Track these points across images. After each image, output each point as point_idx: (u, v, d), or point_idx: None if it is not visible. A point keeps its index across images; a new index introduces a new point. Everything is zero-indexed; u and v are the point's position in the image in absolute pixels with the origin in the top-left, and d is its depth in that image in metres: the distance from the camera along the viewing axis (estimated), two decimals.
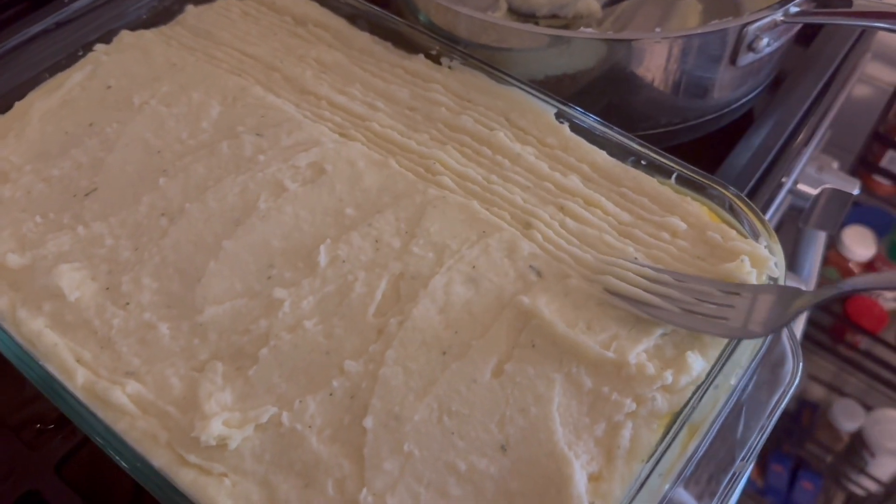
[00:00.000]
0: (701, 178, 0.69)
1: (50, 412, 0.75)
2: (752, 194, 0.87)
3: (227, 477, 0.54)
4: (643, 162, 0.71)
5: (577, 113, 0.74)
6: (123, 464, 0.55)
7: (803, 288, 0.61)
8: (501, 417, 0.56)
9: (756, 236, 0.66)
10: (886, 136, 1.66)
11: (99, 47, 0.83)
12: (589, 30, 0.78)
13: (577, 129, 0.74)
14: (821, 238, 1.23)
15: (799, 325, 0.62)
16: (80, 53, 0.84)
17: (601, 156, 0.72)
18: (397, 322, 0.61)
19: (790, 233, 1.24)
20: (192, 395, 0.57)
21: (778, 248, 0.65)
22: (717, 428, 0.57)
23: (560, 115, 0.74)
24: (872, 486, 1.97)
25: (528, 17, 0.95)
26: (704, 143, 0.95)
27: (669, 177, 0.70)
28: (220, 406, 0.56)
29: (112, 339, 0.61)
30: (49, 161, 0.73)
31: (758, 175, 0.88)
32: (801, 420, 2.04)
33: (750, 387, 0.60)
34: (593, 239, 0.66)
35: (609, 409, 0.56)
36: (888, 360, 1.88)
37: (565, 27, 0.93)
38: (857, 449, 1.98)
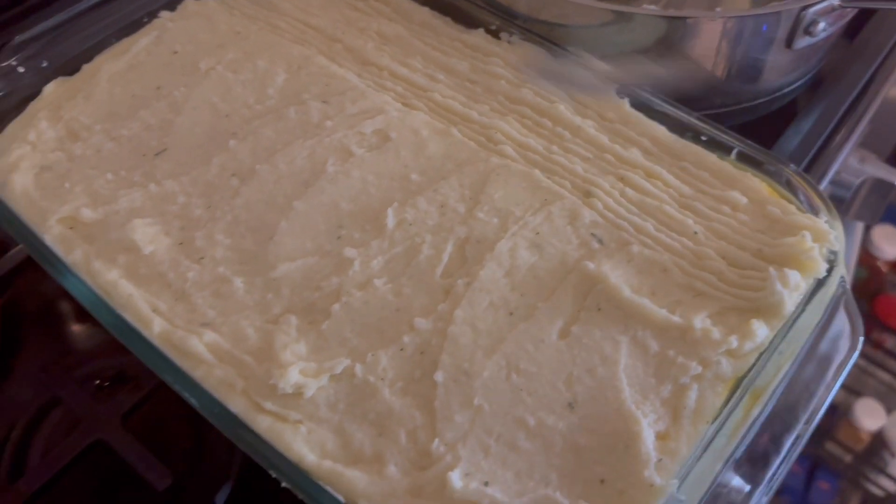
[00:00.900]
0: (761, 155, 0.70)
1: (107, 369, 0.77)
2: None
3: (302, 424, 0.56)
4: (703, 138, 0.72)
5: (638, 89, 0.75)
6: (202, 410, 0.56)
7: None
8: (569, 376, 0.57)
9: (815, 211, 0.67)
10: None
11: (164, 14, 0.85)
12: (652, 6, 0.79)
13: (636, 104, 0.75)
14: (859, 229, 1.24)
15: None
16: (145, 20, 0.85)
17: (661, 130, 0.73)
18: (464, 283, 0.62)
19: None
20: (267, 346, 0.59)
21: (838, 222, 0.66)
22: (779, 394, 0.58)
23: (620, 91, 0.75)
24: (892, 487, 1.98)
25: None
26: (751, 128, 0.96)
27: (728, 153, 0.71)
28: (296, 356, 0.58)
29: (187, 292, 0.62)
30: (118, 122, 0.75)
31: (805, 162, 0.89)
32: (821, 419, 2.04)
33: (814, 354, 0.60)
34: (653, 209, 0.67)
35: (675, 371, 0.57)
36: None
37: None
38: (878, 449, 1.98)
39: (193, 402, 0.57)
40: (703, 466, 0.54)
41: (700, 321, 0.59)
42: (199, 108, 0.75)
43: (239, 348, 0.59)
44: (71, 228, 0.67)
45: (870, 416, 1.97)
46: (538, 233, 0.65)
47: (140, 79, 0.79)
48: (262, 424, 0.55)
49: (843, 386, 2.00)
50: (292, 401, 0.56)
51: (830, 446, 2.02)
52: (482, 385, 0.57)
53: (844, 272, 0.64)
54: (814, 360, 0.61)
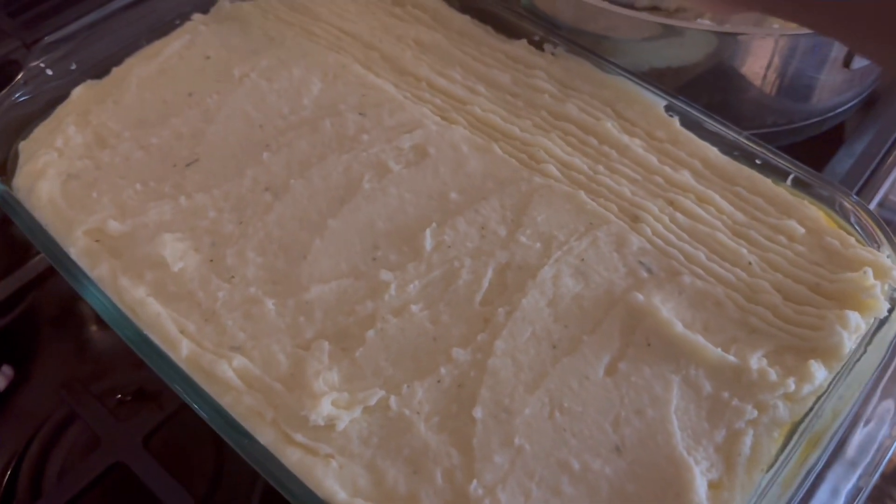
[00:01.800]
0: (819, 181, 0.66)
1: (129, 384, 0.75)
2: None
3: (333, 458, 0.53)
4: (757, 161, 0.69)
5: (688, 107, 0.72)
6: (229, 440, 0.54)
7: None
8: (616, 417, 0.54)
9: (877, 244, 0.63)
10: None
11: (196, 17, 0.83)
12: (706, 21, 0.76)
13: (686, 123, 0.71)
14: None
15: None
16: (177, 22, 0.83)
17: (713, 152, 0.69)
18: (505, 312, 0.59)
19: None
20: (298, 373, 0.56)
21: None
22: (837, 440, 0.55)
23: (670, 108, 0.72)
24: None
25: (625, 7, 0.92)
26: (800, 150, 0.92)
27: (783, 178, 0.68)
28: (328, 386, 0.55)
29: (217, 312, 0.60)
30: (148, 129, 0.73)
31: (858, 186, 0.85)
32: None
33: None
34: (705, 236, 0.64)
35: (729, 414, 0.54)
36: None
37: None
38: None
39: (222, 432, 0.54)
40: None
41: (756, 361, 0.56)
42: (232, 118, 0.72)
43: (269, 374, 0.56)
44: (97, 241, 0.64)
45: None
46: (583, 259, 0.62)
47: (171, 84, 0.76)
48: (292, 458, 0.53)
49: None
50: (324, 433, 0.54)
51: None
52: (523, 423, 0.54)
53: None
54: (874, 403, 0.58)
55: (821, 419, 0.55)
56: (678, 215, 0.65)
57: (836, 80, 0.82)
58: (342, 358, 0.57)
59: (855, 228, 0.65)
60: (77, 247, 0.63)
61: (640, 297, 0.59)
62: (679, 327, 0.57)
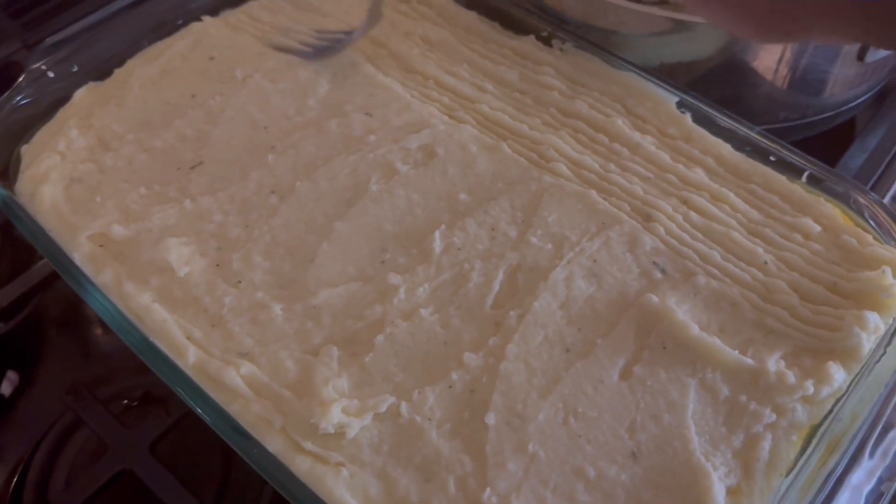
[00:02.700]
0: (835, 179, 0.65)
1: (135, 388, 0.74)
2: None
3: (344, 467, 0.52)
4: (771, 158, 0.67)
5: (700, 103, 0.70)
6: (238, 449, 0.53)
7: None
8: (632, 423, 0.53)
9: None
10: None
11: (206, 19, 0.81)
12: None
13: (699, 119, 0.70)
14: None
15: None
16: (180, 22, 0.82)
17: (727, 149, 0.68)
18: (517, 315, 0.58)
19: None
20: (307, 379, 0.55)
21: None
22: (857, 444, 0.54)
23: (681, 104, 0.71)
24: None
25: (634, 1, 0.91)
26: (812, 145, 0.91)
27: (798, 174, 0.66)
28: (338, 393, 0.54)
29: (224, 318, 0.59)
30: (151, 131, 0.72)
31: (872, 181, 0.84)
32: None
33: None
34: (720, 235, 0.63)
35: (747, 418, 0.53)
36: None
37: None
38: None
39: (229, 440, 0.53)
40: None
41: (774, 363, 0.54)
42: (237, 119, 0.71)
43: (277, 381, 0.55)
44: (101, 246, 0.63)
45: None
46: (595, 260, 0.61)
47: (174, 85, 0.75)
48: (302, 466, 0.52)
49: None
50: (334, 441, 0.53)
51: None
52: (537, 429, 0.53)
53: None
54: (893, 405, 0.57)
55: (840, 422, 0.54)
56: (692, 214, 0.64)
57: (849, 73, 0.81)
58: (351, 364, 0.56)
59: (871, 225, 0.64)
60: (81, 252, 0.62)
61: (655, 298, 0.58)
62: (695, 329, 0.56)
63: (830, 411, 0.54)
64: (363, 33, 0.75)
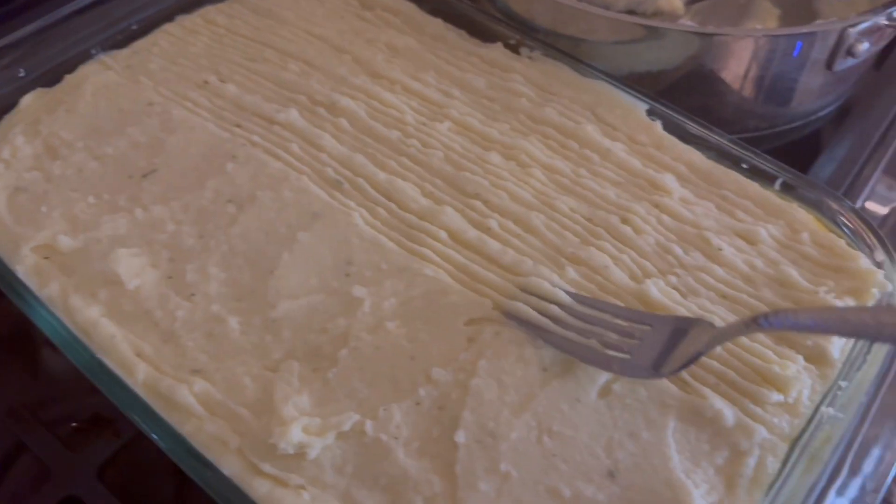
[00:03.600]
0: (807, 185, 0.65)
1: (85, 410, 0.70)
2: None
3: (305, 490, 0.49)
4: (743, 165, 0.66)
5: (670, 110, 0.69)
6: (190, 472, 0.49)
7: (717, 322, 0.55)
8: (609, 441, 0.50)
9: (870, 249, 0.61)
10: None
11: (166, 26, 0.78)
12: (689, 22, 0.73)
13: (669, 127, 0.69)
14: None
15: None
16: (134, 27, 0.79)
17: (697, 156, 0.67)
18: (493, 332, 0.55)
19: None
20: (265, 397, 0.52)
21: (895, 263, 0.60)
22: (838, 456, 0.52)
23: (651, 112, 0.70)
24: None
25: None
26: (781, 154, 0.90)
27: (770, 182, 0.66)
28: (298, 410, 0.51)
29: (176, 333, 0.55)
30: (102, 138, 0.68)
31: (842, 190, 0.83)
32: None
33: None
34: (692, 236, 0.61)
35: (735, 434, 0.51)
36: None
37: None
38: None
39: (181, 463, 0.50)
40: None
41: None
42: (196, 128, 0.68)
43: (234, 399, 0.52)
44: (47, 258, 0.60)
45: None
46: None
47: (129, 92, 0.72)
48: (260, 490, 0.48)
49: None
50: (294, 462, 0.49)
51: None
52: (510, 448, 0.50)
53: None
54: (874, 417, 0.55)
55: (821, 432, 0.52)
56: (664, 217, 0.63)
57: (817, 82, 0.81)
58: (313, 379, 0.53)
59: (845, 232, 0.63)
60: (25, 264, 0.59)
61: None
62: None
63: (811, 420, 0.53)
64: None
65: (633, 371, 0.51)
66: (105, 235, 0.61)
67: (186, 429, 0.51)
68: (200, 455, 0.49)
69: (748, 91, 0.79)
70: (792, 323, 0.46)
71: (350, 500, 0.49)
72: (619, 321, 0.53)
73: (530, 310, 0.55)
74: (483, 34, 0.78)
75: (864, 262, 0.60)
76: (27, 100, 0.72)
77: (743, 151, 0.66)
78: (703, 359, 0.54)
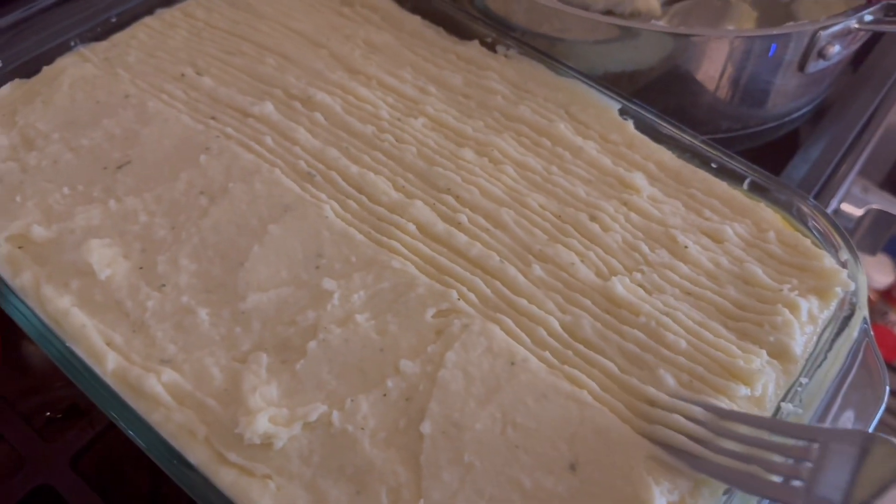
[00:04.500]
0: (775, 185, 0.65)
1: (60, 400, 0.70)
2: None
3: (271, 479, 0.49)
4: (713, 165, 0.67)
5: (642, 110, 0.70)
6: (157, 460, 0.50)
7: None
8: (573, 436, 0.51)
9: (835, 248, 0.62)
10: None
11: (146, 19, 0.79)
12: (661, 23, 0.74)
13: (641, 127, 0.70)
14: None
15: None
16: (113, 20, 0.79)
17: (667, 155, 0.68)
18: (461, 324, 0.56)
19: None
20: (233, 388, 0.52)
21: (859, 263, 0.61)
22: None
23: (624, 112, 0.70)
24: None
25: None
26: (756, 155, 0.91)
27: (740, 182, 0.66)
28: (266, 401, 0.51)
29: (146, 323, 0.56)
30: (78, 130, 0.69)
31: (815, 191, 0.84)
32: None
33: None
34: (659, 234, 0.62)
35: None
36: None
37: None
38: None
39: (149, 451, 0.50)
40: None
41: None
42: (171, 120, 0.68)
43: (202, 390, 0.53)
44: (20, 248, 0.60)
45: None
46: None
47: (106, 85, 0.72)
48: (226, 479, 0.49)
49: None
50: (260, 452, 0.50)
51: None
52: (474, 439, 0.51)
53: (867, 314, 0.59)
54: (834, 414, 0.56)
55: None
56: (632, 215, 0.64)
57: (791, 84, 0.82)
58: (282, 371, 0.54)
59: (812, 233, 0.64)
60: None
61: None
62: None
63: (774, 416, 0.53)
64: None
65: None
66: (78, 226, 0.61)
67: (154, 418, 0.51)
68: (168, 444, 0.50)
69: (723, 92, 0.80)
70: None
71: (315, 489, 0.49)
72: (777, 438, 0.47)
73: (678, 435, 0.50)
74: (460, 32, 0.79)
75: (828, 261, 0.61)
76: (4, 90, 0.72)
77: (712, 151, 0.67)
78: (671, 354, 0.55)
